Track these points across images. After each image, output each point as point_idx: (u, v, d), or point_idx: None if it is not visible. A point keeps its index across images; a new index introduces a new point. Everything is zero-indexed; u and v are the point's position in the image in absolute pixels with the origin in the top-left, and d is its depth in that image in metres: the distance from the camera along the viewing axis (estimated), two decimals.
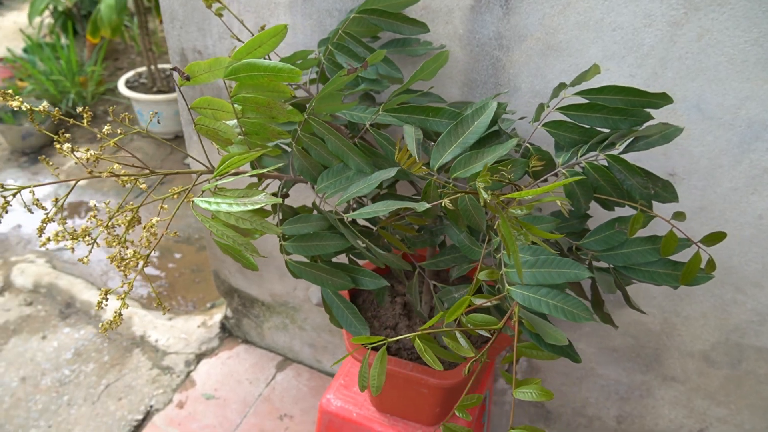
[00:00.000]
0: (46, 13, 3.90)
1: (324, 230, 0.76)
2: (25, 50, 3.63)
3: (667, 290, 1.13)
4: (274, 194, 0.85)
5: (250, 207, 0.59)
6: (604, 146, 0.64)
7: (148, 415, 1.70)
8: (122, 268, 0.75)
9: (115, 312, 0.69)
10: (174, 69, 0.67)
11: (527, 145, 0.69)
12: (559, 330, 0.61)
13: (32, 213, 0.70)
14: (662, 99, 0.66)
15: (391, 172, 0.67)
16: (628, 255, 0.68)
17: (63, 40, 3.85)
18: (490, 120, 0.65)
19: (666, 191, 0.76)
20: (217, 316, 1.98)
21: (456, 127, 0.67)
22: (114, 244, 0.78)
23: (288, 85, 0.76)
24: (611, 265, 0.70)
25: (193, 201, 0.62)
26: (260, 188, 0.85)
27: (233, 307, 1.87)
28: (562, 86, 0.69)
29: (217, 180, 0.65)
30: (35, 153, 3.04)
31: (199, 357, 1.86)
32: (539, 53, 0.98)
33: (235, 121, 0.74)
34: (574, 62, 0.96)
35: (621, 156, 0.65)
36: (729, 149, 0.93)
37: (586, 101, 0.68)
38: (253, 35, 0.68)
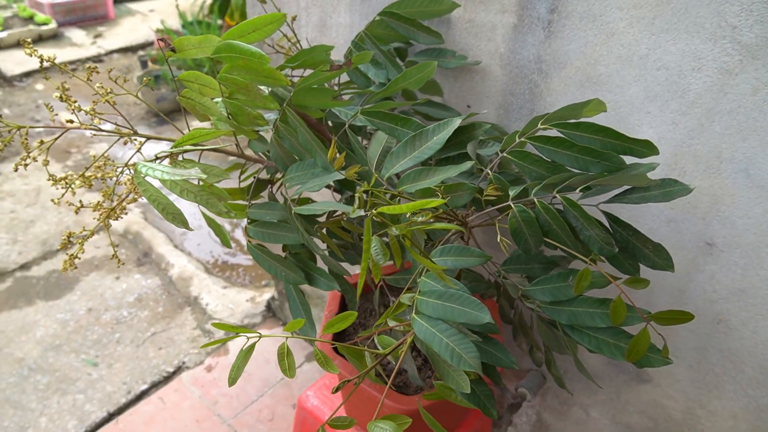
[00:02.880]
0: None
1: (285, 221, 0.76)
2: (182, 26, 4.03)
3: (693, 375, 0.98)
4: (261, 179, 0.86)
5: (178, 178, 0.60)
6: (562, 187, 0.57)
7: (178, 370, 1.80)
8: (101, 215, 0.80)
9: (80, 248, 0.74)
10: (161, 40, 0.70)
11: (488, 172, 0.64)
12: (463, 375, 0.56)
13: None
14: (645, 147, 0.57)
15: (336, 176, 0.65)
16: (576, 314, 0.60)
17: (219, 21, 4.22)
18: (447, 136, 0.61)
19: (658, 256, 0.66)
20: (267, 295, 2.05)
21: (414, 139, 0.63)
22: (102, 194, 0.83)
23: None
24: (557, 322, 0.62)
25: (136, 165, 0.64)
26: (246, 171, 0.87)
27: (279, 289, 1.93)
28: (539, 118, 0.62)
29: (173, 150, 0.67)
30: (166, 116, 3.36)
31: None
32: (578, 84, 0.89)
33: (221, 100, 0.76)
34: (613, 99, 0.87)
35: (581, 202, 0.58)
36: None
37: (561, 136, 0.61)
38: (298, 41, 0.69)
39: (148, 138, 0.77)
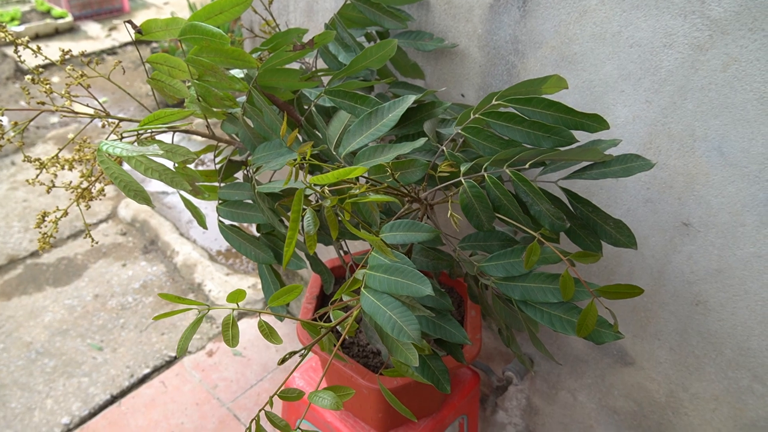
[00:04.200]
0: None
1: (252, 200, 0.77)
2: None
3: (675, 357, 0.97)
4: (233, 160, 0.87)
5: (135, 154, 0.62)
6: (513, 162, 0.57)
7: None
8: (78, 196, 0.82)
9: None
10: (127, 22, 0.71)
11: (443, 149, 0.64)
12: (412, 349, 0.56)
13: None
14: (596, 121, 0.57)
15: (293, 154, 0.65)
16: (528, 289, 0.60)
17: None
18: (401, 113, 0.61)
19: (620, 233, 0.66)
20: None
21: (370, 116, 0.63)
22: (80, 175, 0.85)
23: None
24: (511, 298, 0.62)
25: (100, 144, 0.66)
26: (221, 152, 0.88)
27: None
28: (494, 94, 0.62)
29: (137, 129, 0.68)
30: (176, 106, 3.40)
31: (241, 315, 1.97)
32: (554, 63, 0.89)
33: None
34: (588, 78, 0.86)
35: (531, 177, 0.58)
36: (754, 206, 0.78)
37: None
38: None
39: (121, 120, 0.79)
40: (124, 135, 0.70)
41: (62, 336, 1.88)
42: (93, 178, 0.83)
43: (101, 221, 2.43)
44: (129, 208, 2.47)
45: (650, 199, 0.87)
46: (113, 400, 1.68)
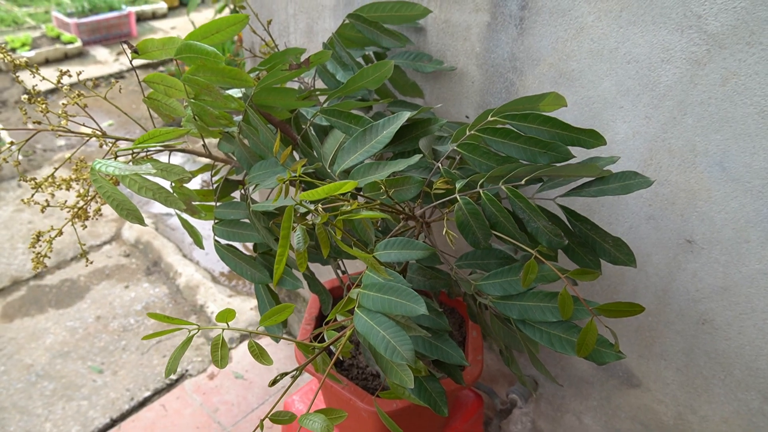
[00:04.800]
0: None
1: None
2: None
3: (682, 378, 0.95)
4: (230, 179, 0.87)
5: (128, 173, 0.61)
6: (508, 178, 0.56)
7: (181, 378, 1.81)
8: (73, 216, 0.82)
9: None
10: (123, 42, 0.72)
11: (438, 165, 0.63)
12: (407, 371, 0.55)
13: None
14: (592, 137, 0.56)
15: (284, 172, 0.65)
16: (526, 308, 0.58)
17: (235, 37, 4.31)
18: (396, 130, 0.60)
19: (619, 251, 0.65)
20: None
21: (364, 133, 0.63)
22: (77, 195, 0.85)
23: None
24: (509, 317, 0.61)
25: (93, 163, 0.65)
26: (219, 172, 0.88)
27: (281, 298, 1.94)
28: (490, 111, 0.62)
29: (131, 148, 0.68)
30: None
31: (243, 337, 1.95)
32: (552, 81, 0.88)
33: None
34: (586, 95, 0.85)
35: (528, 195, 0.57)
36: (758, 222, 0.76)
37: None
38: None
39: (118, 139, 0.79)
40: (119, 154, 0.70)
41: (63, 358, 1.87)
42: (89, 198, 0.83)
43: (105, 243, 2.43)
44: (132, 229, 2.48)
45: (652, 216, 0.86)
46: (113, 423, 1.66)
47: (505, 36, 0.91)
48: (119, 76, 4.23)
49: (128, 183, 0.67)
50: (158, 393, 1.76)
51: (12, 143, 0.76)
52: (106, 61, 4.43)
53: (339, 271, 0.84)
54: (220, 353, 0.56)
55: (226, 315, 0.53)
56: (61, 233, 0.77)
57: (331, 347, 0.61)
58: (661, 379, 0.98)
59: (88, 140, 0.80)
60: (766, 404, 0.87)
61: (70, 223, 0.80)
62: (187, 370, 1.83)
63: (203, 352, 1.90)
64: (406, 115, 0.61)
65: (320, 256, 0.84)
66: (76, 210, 0.81)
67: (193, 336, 0.58)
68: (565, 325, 0.57)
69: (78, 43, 4.48)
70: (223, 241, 0.81)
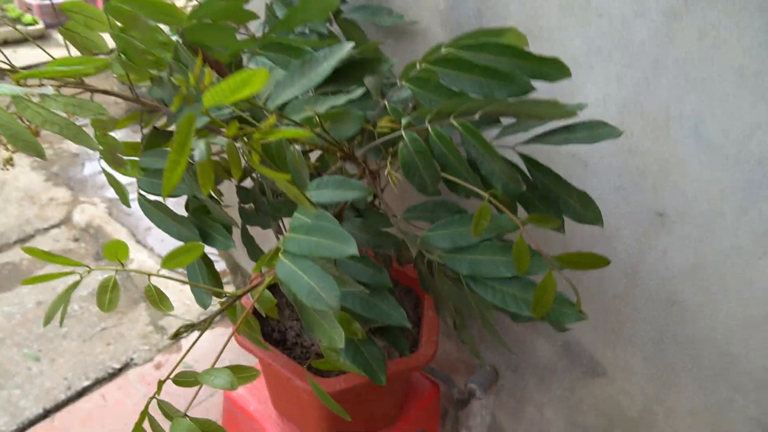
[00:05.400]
0: None
1: None
2: None
3: (650, 368, 0.89)
4: (160, 129, 0.78)
5: (26, 98, 0.53)
6: (460, 112, 0.49)
7: (125, 367, 1.70)
8: None
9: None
10: None
11: (385, 103, 0.56)
12: (337, 328, 0.47)
13: None
14: (555, 68, 0.50)
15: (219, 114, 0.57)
16: (477, 263, 0.51)
17: None
18: (336, 63, 0.53)
19: (585, 207, 0.58)
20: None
21: (302, 66, 0.55)
22: None
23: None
24: (460, 273, 0.53)
25: None
26: (151, 122, 0.79)
27: (236, 284, 1.84)
28: (442, 44, 0.55)
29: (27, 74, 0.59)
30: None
31: (195, 326, 1.84)
32: None
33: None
34: (555, 55, 0.79)
35: (483, 130, 0.50)
36: (733, 193, 0.71)
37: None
38: None
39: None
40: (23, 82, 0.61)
41: None
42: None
43: (53, 226, 2.29)
44: (84, 213, 2.35)
45: (622, 186, 0.80)
46: (46, 414, 1.54)
47: None
48: None
49: (29, 114, 0.59)
50: (99, 383, 1.64)
51: None
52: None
53: (280, 236, 0.76)
54: (108, 297, 0.48)
55: (116, 249, 0.45)
56: None
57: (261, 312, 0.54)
58: (627, 368, 0.92)
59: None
60: (736, 393, 0.81)
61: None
62: (132, 359, 1.72)
63: (150, 340, 1.79)
64: (350, 45, 0.54)
65: (259, 218, 0.76)
66: None
67: (77, 283, 0.49)
68: (521, 282, 0.50)
69: (40, 25, 4.31)
70: (150, 197, 0.72)
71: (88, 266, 0.50)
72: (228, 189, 0.95)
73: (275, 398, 0.97)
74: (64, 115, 0.62)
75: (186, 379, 0.47)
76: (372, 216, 0.65)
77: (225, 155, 0.57)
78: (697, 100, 0.69)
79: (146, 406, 0.51)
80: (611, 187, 0.81)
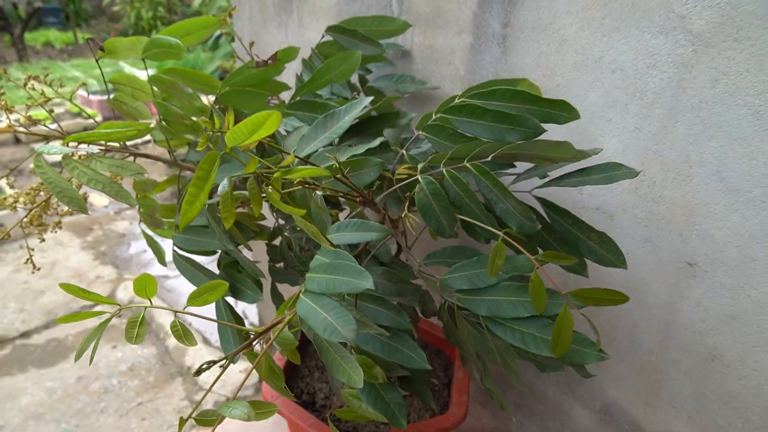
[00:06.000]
0: None
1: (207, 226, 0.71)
2: None
3: (694, 429, 0.84)
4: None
5: (68, 152, 0.57)
6: (473, 155, 0.51)
7: None
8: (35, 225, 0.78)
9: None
10: (89, 40, 0.70)
11: (403, 152, 0.58)
12: (357, 368, 0.48)
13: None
14: (564, 110, 0.51)
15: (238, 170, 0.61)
16: (495, 304, 0.51)
17: None
18: (355, 116, 0.56)
19: (605, 249, 0.58)
20: None
21: (325, 120, 0.59)
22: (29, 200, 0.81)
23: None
24: (479, 316, 0.53)
25: (38, 149, 0.62)
26: (183, 185, 0.84)
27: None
28: (456, 96, 0.58)
29: (81, 140, 0.65)
30: None
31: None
32: None
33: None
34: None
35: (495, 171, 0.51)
36: (764, 236, 0.69)
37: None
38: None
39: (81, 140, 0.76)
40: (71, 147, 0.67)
41: (36, 420, 1.75)
42: (36, 195, 0.79)
43: (97, 303, 2.36)
44: (127, 290, 2.42)
45: (649, 238, 0.79)
46: None
47: (488, 56, 0.89)
48: (134, 146, 4.34)
49: (77, 174, 0.63)
50: None
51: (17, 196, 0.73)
52: None
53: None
54: (136, 331, 0.49)
55: (145, 285, 0.47)
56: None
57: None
58: (670, 431, 0.87)
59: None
60: None
61: (21, 226, 0.75)
62: None
63: (186, 414, 1.77)
64: (367, 99, 0.57)
65: (288, 276, 0.78)
66: (28, 216, 0.77)
67: (110, 318, 0.51)
68: (539, 322, 0.49)
69: (99, 118, 4.65)
70: (184, 254, 0.76)
71: (119, 305, 0.52)
72: (260, 249, 0.97)
73: None
74: (107, 174, 0.67)
75: (208, 418, 0.47)
76: (396, 267, 0.66)
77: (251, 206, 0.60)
78: (717, 145, 0.70)
79: None
80: (638, 238, 0.80)
